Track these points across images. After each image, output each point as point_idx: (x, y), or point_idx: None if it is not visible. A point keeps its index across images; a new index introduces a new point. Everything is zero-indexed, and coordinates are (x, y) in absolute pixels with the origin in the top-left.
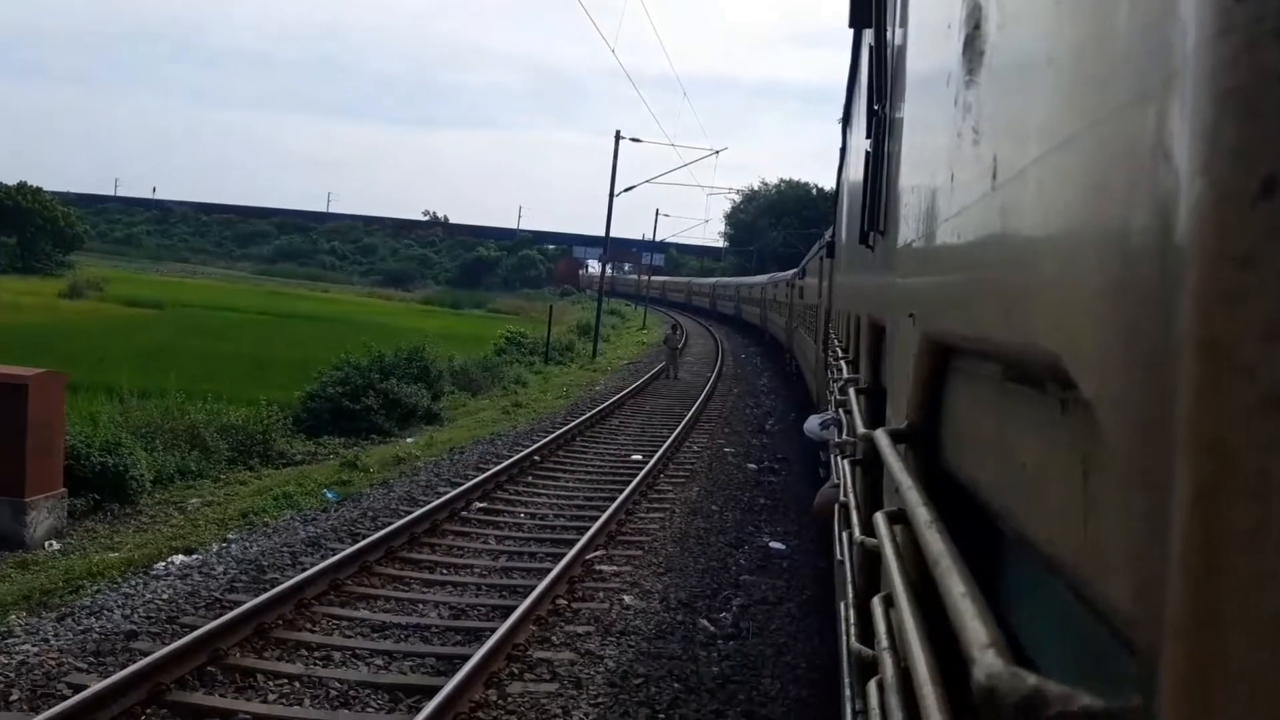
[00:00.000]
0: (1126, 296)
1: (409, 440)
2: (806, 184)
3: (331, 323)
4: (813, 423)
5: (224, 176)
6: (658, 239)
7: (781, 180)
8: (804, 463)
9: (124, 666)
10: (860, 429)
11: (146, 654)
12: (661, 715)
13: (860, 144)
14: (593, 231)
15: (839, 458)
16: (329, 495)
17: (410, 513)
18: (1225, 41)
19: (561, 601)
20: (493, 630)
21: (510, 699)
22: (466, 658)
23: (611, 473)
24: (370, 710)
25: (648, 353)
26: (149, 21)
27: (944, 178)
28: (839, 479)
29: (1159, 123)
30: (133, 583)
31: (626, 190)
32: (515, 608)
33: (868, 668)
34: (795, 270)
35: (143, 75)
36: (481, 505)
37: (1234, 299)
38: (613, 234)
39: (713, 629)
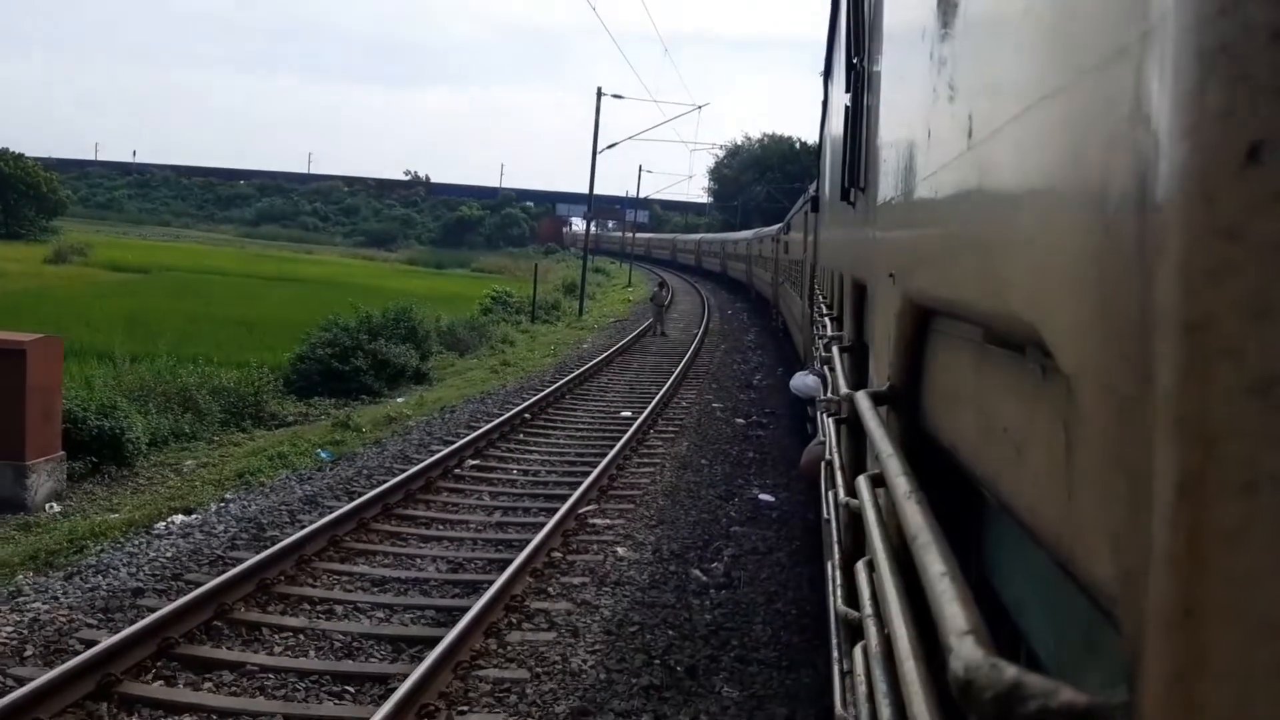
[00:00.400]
0: (1104, 268)
1: (399, 400)
2: (790, 138)
3: (317, 284)
4: (799, 379)
5: (204, 139)
6: (642, 196)
7: (765, 135)
8: (791, 418)
9: (133, 622)
10: (843, 388)
11: (154, 610)
12: (657, 661)
13: (840, 98)
14: (576, 189)
15: (824, 415)
16: (323, 455)
17: (405, 470)
18: None
19: (557, 554)
20: (490, 583)
21: (510, 647)
22: (466, 609)
23: (601, 429)
24: (374, 660)
25: (634, 310)
26: None
27: (921, 134)
28: (825, 436)
29: (1137, 82)
30: (136, 542)
31: (609, 147)
32: (512, 560)
33: (854, 630)
34: (780, 225)
35: (114, 38)
36: (475, 462)
37: (1219, 273)
38: (596, 191)
39: (705, 578)
